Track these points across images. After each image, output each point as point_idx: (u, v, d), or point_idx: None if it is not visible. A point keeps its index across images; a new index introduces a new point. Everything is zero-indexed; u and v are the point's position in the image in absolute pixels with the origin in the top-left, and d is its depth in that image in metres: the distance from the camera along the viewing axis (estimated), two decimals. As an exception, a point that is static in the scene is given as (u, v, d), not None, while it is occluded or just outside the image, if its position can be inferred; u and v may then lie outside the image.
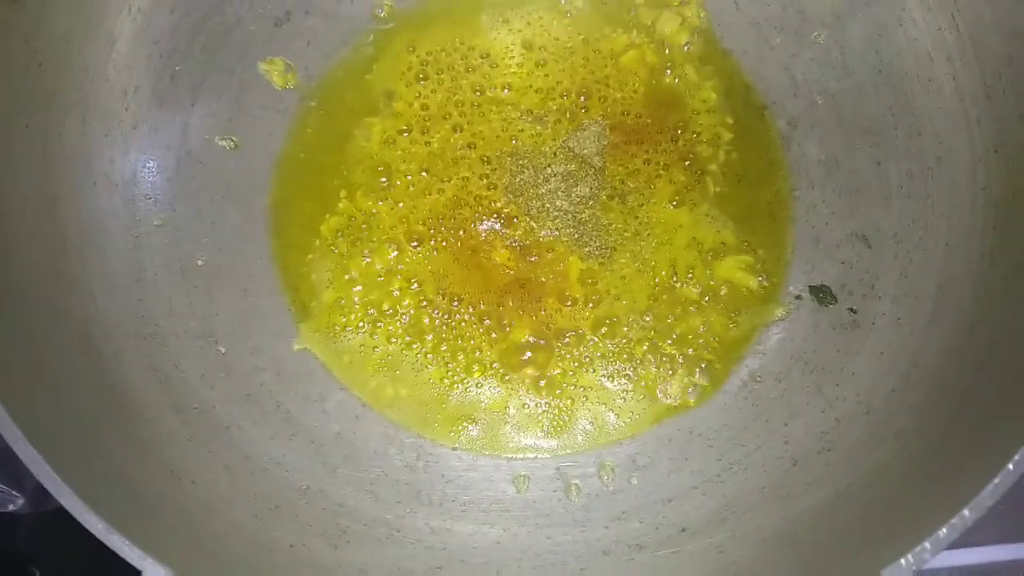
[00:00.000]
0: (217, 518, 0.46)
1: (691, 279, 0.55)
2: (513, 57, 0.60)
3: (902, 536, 0.36)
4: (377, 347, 0.55)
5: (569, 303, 0.55)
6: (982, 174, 0.50)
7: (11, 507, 0.57)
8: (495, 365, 0.54)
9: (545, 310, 0.55)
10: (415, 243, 0.56)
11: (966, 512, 0.34)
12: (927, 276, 0.50)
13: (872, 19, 0.55)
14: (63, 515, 0.56)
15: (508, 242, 0.56)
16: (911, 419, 0.46)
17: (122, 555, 0.36)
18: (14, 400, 0.38)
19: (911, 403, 0.47)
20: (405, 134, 0.59)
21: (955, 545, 0.54)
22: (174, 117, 0.55)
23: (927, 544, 0.34)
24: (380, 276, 0.56)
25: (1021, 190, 0.47)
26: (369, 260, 0.56)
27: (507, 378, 0.54)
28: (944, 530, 0.34)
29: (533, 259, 0.56)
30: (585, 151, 0.58)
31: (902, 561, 0.33)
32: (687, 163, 0.58)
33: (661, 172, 0.58)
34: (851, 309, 0.53)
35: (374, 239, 0.57)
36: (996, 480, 0.34)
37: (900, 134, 0.54)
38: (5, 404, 0.37)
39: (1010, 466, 0.34)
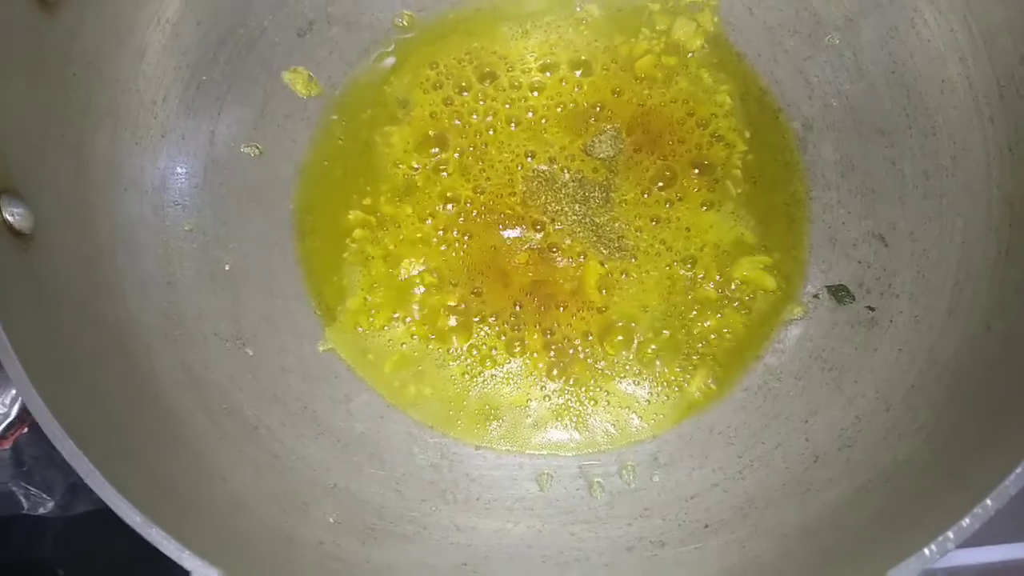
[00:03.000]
0: (247, 515, 0.46)
1: (709, 280, 0.56)
2: (532, 65, 0.61)
3: (924, 527, 0.36)
4: (401, 345, 0.56)
5: (588, 306, 0.56)
6: (997, 172, 0.50)
7: (41, 510, 0.58)
8: (515, 363, 0.55)
9: (564, 311, 0.56)
10: (437, 246, 0.57)
11: (988, 501, 0.34)
12: (944, 273, 0.51)
13: (884, 21, 0.56)
14: (91, 519, 0.57)
15: (528, 245, 0.57)
16: (930, 414, 0.46)
17: (161, 548, 0.37)
18: (55, 400, 0.38)
19: (930, 399, 0.47)
20: (425, 142, 0.60)
21: (974, 543, 0.55)
22: (201, 125, 0.57)
23: (950, 534, 0.34)
24: (403, 277, 0.57)
25: (1035, 187, 0.48)
26: (392, 262, 0.57)
27: (527, 376, 0.55)
28: (967, 519, 0.34)
29: (553, 262, 0.57)
30: (603, 156, 0.59)
31: (925, 551, 0.34)
32: (703, 166, 0.58)
33: (678, 175, 0.58)
34: (869, 307, 0.53)
35: (396, 242, 0.58)
36: (1019, 470, 0.34)
37: (914, 134, 0.55)
38: (48, 404, 0.38)
39: (1030, 455, 0.34)
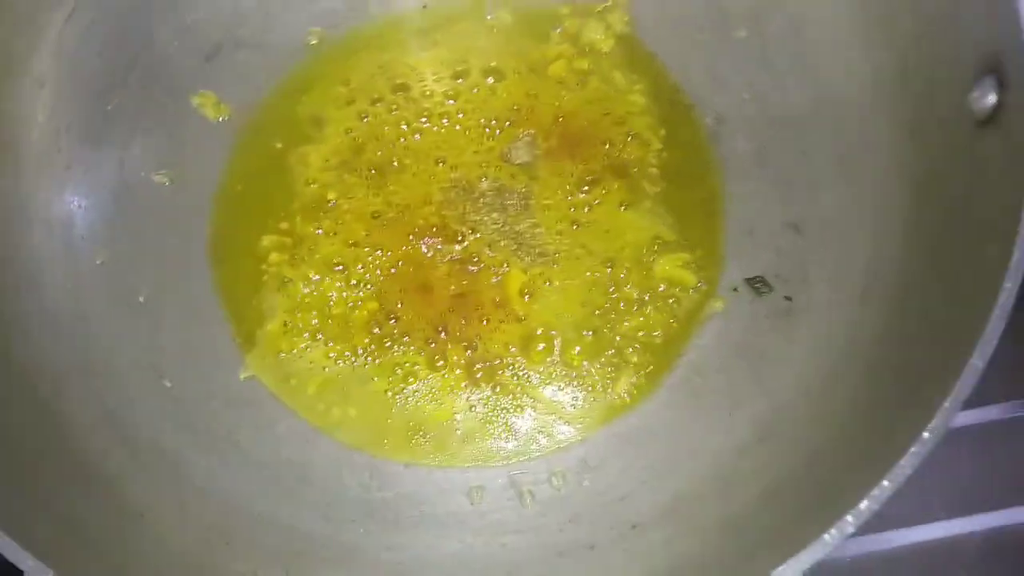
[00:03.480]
0: (168, 551, 0.46)
1: (630, 280, 0.56)
2: (444, 75, 0.61)
3: (827, 514, 0.36)
4: (323, 368, 0.55)
5: (510, 315, 0.56)
6: (902, 155, 0.51)
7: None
8: (438, 378, 0.54)
9: (487, 321, 0.55)
10: (355, 263, 0.57)
11: (885, 482, 0.34)
12: (856, 258, 0.51)
13: (789, 12, 0.57)
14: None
15: (448, 257, 0.57)
16: (847, 400, 0.46)
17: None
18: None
19: (847, 384, 0.47)
20: (339, 160, 0.59)
21: (910, 522, 0.55)
22: (109, 155, 0.56)
23: (848, 517, 0.34)
24: (322, 298, 0.56)
25: (937, 170, 0.48)
26: (311, 283, 0.57)
27: (452, 390, 0.54)
28: (865, 502, 0.34)
29: (473, 271, 0.56)
30: (520, 161, 0.59)
31: (826, 536, 0.34)
32: (620, 167, 0.58)
33: (595, 177, 0.58)
34: (786, 297, 0.54)
35: (314, 262, 0.57)
36: (914, 448, 0.35)
37: (823, 122, 0.55)
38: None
39: (925, 434, 0.35)
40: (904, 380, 0.44)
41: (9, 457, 0.43)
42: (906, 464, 0.34)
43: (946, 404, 0.35)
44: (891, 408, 0.42)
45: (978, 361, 0.35)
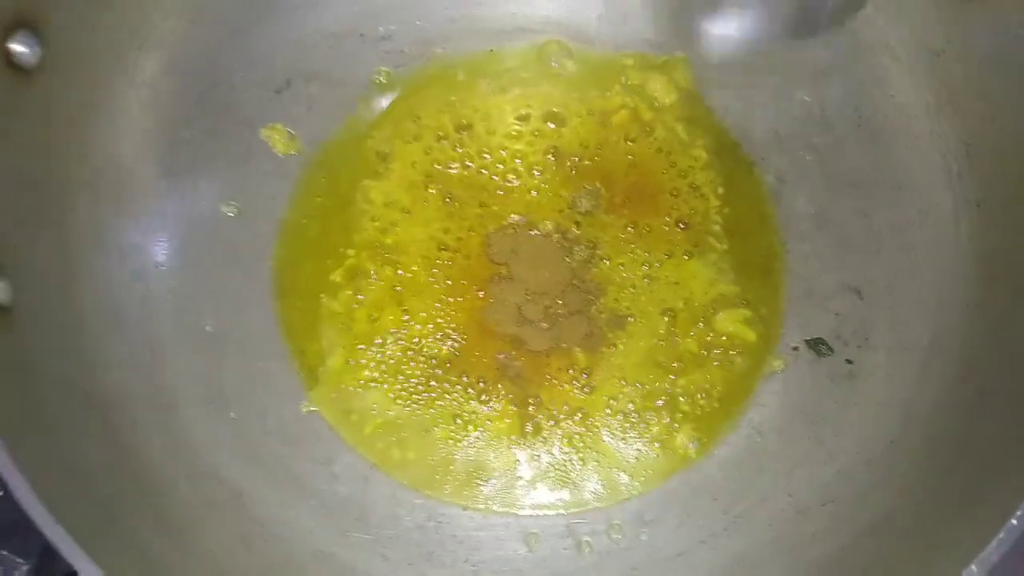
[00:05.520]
0: (232, 587, 0.46)
1: (691, 334, 0.57)
2: (509, 120, 0.62)
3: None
4: (386, 410, 0.55)
5: (573, 365, 0.56)
6: (966, 227, 0.52)
7: (16, 574, 0.57)
8: (500, 427, 0.55)
9: (550, 372, 0.56)
10: (418, 306, 0.57)
11: (974, 567, 0.35)
12: (918, 327, 0.52)
13: (852, 77, 0.58)
14: (66, 584, 0.56)
15: (511, 306, 0.57)
16: (911, 470, 0.47)
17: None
18: (34, 473, 0.38)
19: (910, 453, 0.48)
20: (404, 197, 0.60)
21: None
22: (180, 186, 0.56)
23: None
24: (385, 338, 0.57)
25: (1005, 244, 0.49)
26: (374, 322, 0.57)
27: (514, 440, 0.55)
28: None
29: (536, 323, 0.57)
30: (581, 212, 0.60)
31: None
32: (682, 221, 0.59)
33: (656, 230, 0.59)
34: (847, 360, 0.54)
35: (376, 300, 0.58)
36: (1000, 535, 0.35)
37: (883, 187, 0.56)
38: (27, 479, 0.37)
39: (1013, 521, 0.35)
40: (971, 456, 0.44)
41: (86, 484, 0.43)
42: (992, 551, 0.35)
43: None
44: (963, 484, 0.43)
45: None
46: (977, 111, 0.51)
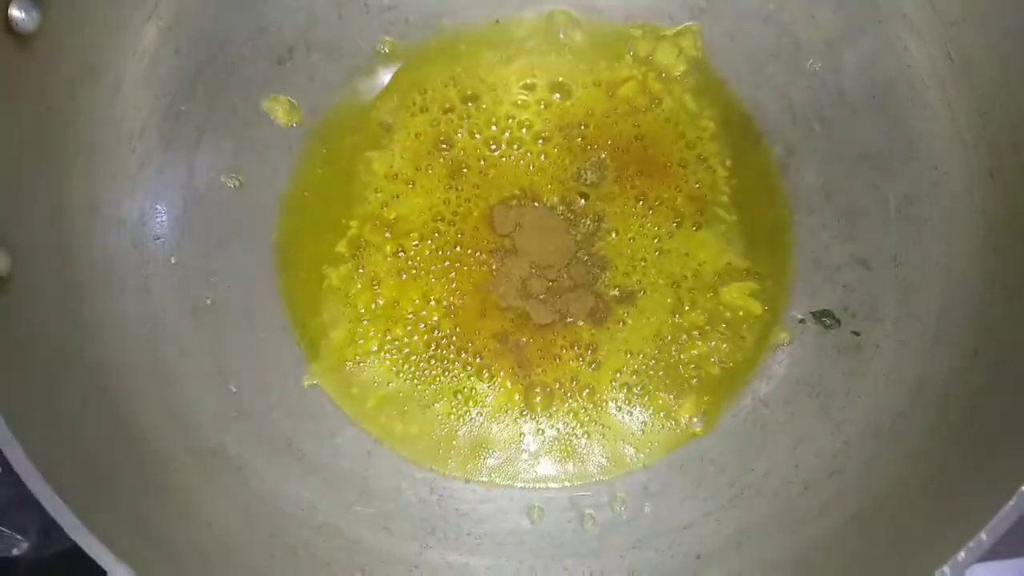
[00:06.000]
0: (234, 559, 0.46)
1: (697, 307, 0.56)
2: (515, 91, 0.61)
3: (916, 561, 0.36)
4: (388, 384, 0.55)
5: (578, 340, 0.56)
6: (979, 198, 0.51)
7: (15, 551, 0.57)
8: (503, 400, 0.54)
9: (554, 346, 0.55)
10: (421, 278, 0.57)
11: (983, 535, 0.34)
12: (928, 298, 0.51)
13: (865, 46, 0.57)
14: (65, 559, 0.56)
15: (515, 279, 0.57)
16: (920, 441, 0.47)
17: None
18: (34, 446, 0.38)
19: (919, 425, 0.47)
20: (408, 169, 0.59)
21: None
22: (179, 157, 0.56)
23: (946, 569, 0.34)
24: (388, 311, 0.56)
25: (1018, 214, 0.48)
26: (375, 295, 0.57)
27: (519, 412, 0.54)
28: (962, 554, 0.34)
29: (540, 296, 0.56)
30: (587, 184, 0.59)
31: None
32: (689, 192, 0.59)
33: (664, 202, 0.58)
34: (854, 332, 0.54)
35: (379, 273, 0.57)
36: (1012, 502, 0.35)
37: (896, 158, 0.55)
38: (27, 451, 0.37)
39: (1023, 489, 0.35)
40: (981, 428, 0.44)
41: (87, 457, 0.43)
42: (1005, 519, 0.34)
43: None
44: (973, 455, 0.42)
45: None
46: (993, 79, 0.50)
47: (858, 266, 0.55)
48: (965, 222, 0.51)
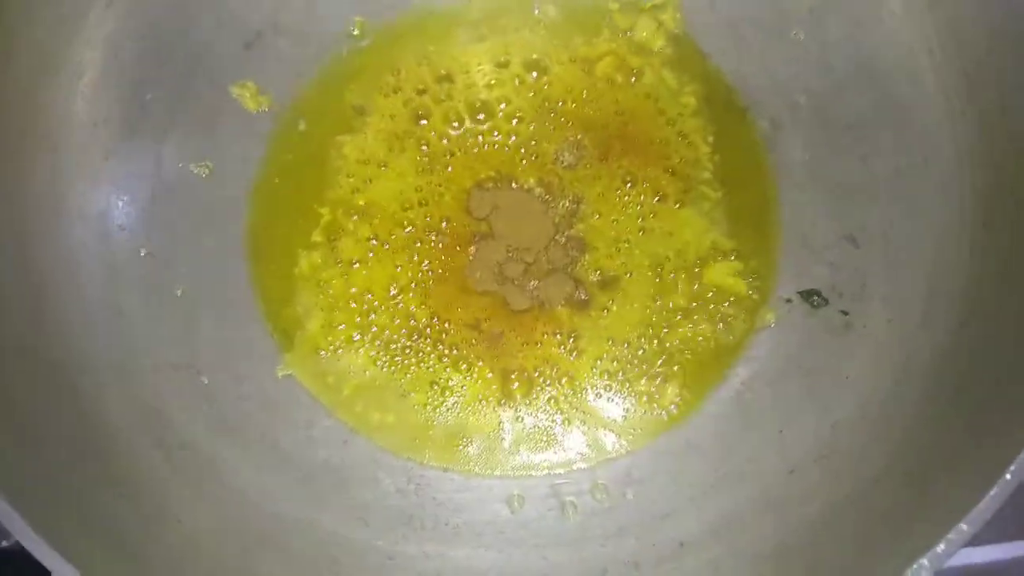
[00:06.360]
0: (205, 556, 0.45)
1: (680, 287, 0.54)
2: (489, 70, 0.59)
3: (900, 549, 0.35)
4: (364, 372, 0.54)
5: (557, 325, 0.54)
6: (968, 170, 0.49)
7: (4, 543, 0.56)
8: (481, 388, 0.53)
9: (534, 332, 0.54)
10: (395, 264, 0.56)
11: (964, 526, 0.33)
12: (917, 275, 0.50)
13: (850, 14, 0.55)
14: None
15: (492, 263, 0.55)
16: (907, 423, 0.45)
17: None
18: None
19: (907, 405, 0.46)
20: (381, 152, 0.58)
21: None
22: (146, 146, 0.54)
23: (924, 561, 0.33)
24: (362, 299, 0.55)
25: (1006, 185, 0.46)
26: (350, 283, 0.55)
27: (497, 401, 0.53)
28: (942, 546, 0.33)
29: (518, 281, 0.55)
30: (565, 162, 0.57)
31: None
32: (671, 170, 0.57)
33: (645, 180, 0.57)
34: (843, 311, 0.52)
35: (352, 261, 0.56)
36: (992, 492, 0.33)
37: (885, 130, 0.53)
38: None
39: (1007, 476, 0.33)
40: (969, 408, 0.42)
41: (44, 455, 0.42)
42: (985, 509, 0.33)
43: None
44: (959, 438, 0.41)
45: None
46: (980, 45, 0.48)
47: (846, 243, 0.54)
48: (954, 195, 0.49)
